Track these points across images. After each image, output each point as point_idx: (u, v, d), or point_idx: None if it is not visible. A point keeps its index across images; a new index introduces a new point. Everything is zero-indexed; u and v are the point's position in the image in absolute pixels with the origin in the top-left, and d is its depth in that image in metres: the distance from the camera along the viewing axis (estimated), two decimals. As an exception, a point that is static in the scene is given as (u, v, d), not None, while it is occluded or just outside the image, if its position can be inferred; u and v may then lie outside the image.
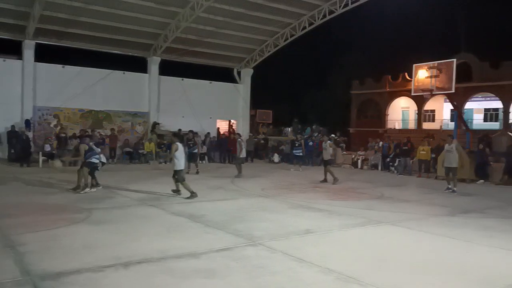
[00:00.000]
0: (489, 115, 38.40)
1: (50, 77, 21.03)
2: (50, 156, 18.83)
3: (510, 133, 22.05)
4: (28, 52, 20.61)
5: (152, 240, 6.40)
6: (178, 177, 10.68)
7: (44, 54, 21.66)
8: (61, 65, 21.78)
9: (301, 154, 19.59)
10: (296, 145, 19.62)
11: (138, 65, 24.88)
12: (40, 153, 18.44)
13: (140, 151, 20.96)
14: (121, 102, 23.20)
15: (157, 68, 24.44)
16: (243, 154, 16.24)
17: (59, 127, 20.64)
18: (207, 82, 26.63)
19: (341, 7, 21.51)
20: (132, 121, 23.78)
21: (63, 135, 19.12)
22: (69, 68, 21.80)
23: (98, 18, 20.52)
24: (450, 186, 12.91)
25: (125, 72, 23.70)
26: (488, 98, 37.22)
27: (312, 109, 47.42)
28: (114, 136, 20.38)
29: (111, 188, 11.72)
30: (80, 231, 6.92)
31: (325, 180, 14.75)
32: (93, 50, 23.26)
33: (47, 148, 18.78)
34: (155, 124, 23.44)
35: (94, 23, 20.77)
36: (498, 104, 35.84)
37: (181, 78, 25.43)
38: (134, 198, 10.34)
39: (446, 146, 13.38)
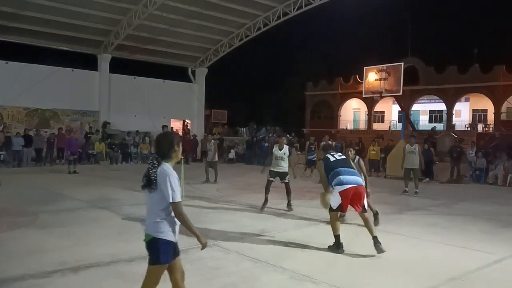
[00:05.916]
0: (434, 116, 40.34)
1: (-8, 74, 19.89)
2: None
3: (453, 134, 23.23)
4: (-32, 46, 19.42)
5: (102, 244, 6.19)
6: None
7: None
8: (4, 61, 20.65)
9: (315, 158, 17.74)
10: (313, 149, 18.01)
11: (88, 62, 24.09)
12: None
13: (90, 152, 20.28)
14: (69, 101, 22.24)
15: (107, 66, 23.71)
16: (215, 158, 14.82)
17: (2, 126, 19.56)
18: (160, 80, 26.17)
19: (295, 9, 21.84)
20: (81, 120, 22.93)
21: (7, 134, 18.13)
22: (14, 64, 20.69)
23: (45, 12, 19.58)
24: (407, 189, 12.46)
25: (73, 69, 22.85)
26: (433, 101, 39.20)
27: (268, 109, 47.77)
28: (62, 135, 19.52)
29: (59, 190, 11.24)
30: (25, 236, 6.58)
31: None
32: (39, 46, 22.25)
33: (-11, 148, 17.81)
34: (106, 124, 22.74)
35: (41, 17, 19.80)
36: (442, 106, 37.83)
37: (133, 77, 24.84)
38: (83, 200, 9.97)
39: (408, 147, 12.65)
